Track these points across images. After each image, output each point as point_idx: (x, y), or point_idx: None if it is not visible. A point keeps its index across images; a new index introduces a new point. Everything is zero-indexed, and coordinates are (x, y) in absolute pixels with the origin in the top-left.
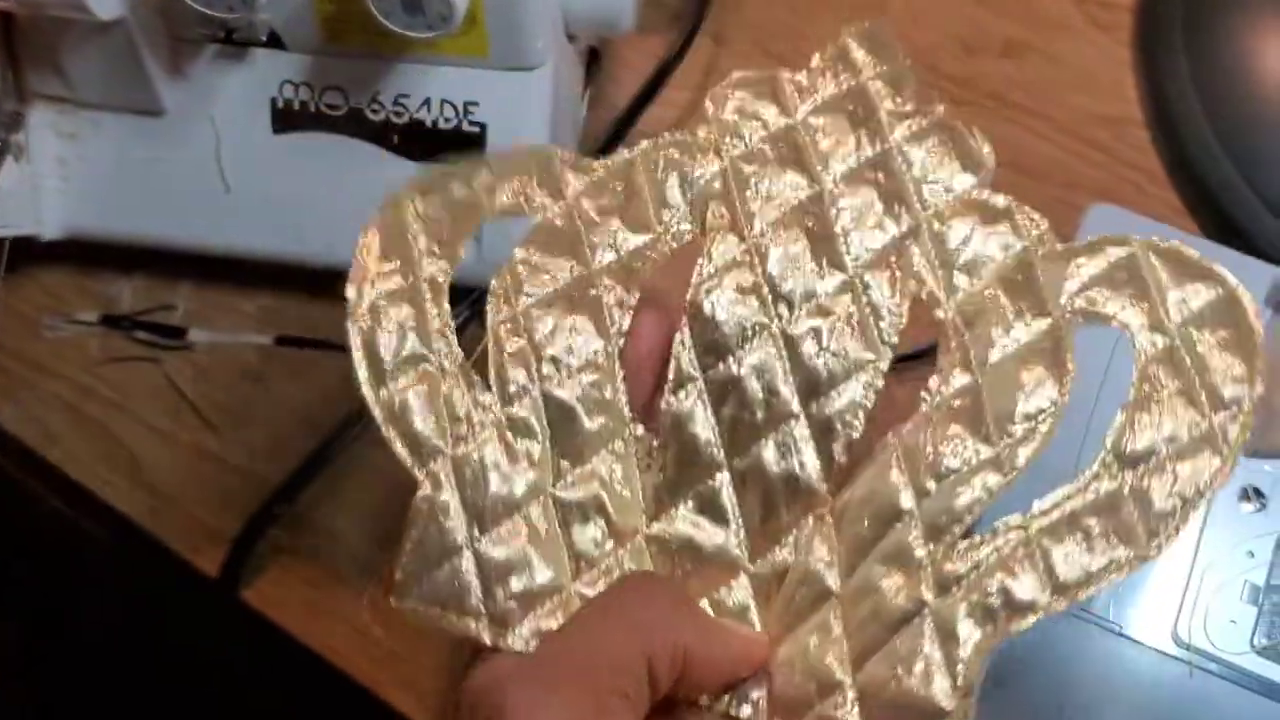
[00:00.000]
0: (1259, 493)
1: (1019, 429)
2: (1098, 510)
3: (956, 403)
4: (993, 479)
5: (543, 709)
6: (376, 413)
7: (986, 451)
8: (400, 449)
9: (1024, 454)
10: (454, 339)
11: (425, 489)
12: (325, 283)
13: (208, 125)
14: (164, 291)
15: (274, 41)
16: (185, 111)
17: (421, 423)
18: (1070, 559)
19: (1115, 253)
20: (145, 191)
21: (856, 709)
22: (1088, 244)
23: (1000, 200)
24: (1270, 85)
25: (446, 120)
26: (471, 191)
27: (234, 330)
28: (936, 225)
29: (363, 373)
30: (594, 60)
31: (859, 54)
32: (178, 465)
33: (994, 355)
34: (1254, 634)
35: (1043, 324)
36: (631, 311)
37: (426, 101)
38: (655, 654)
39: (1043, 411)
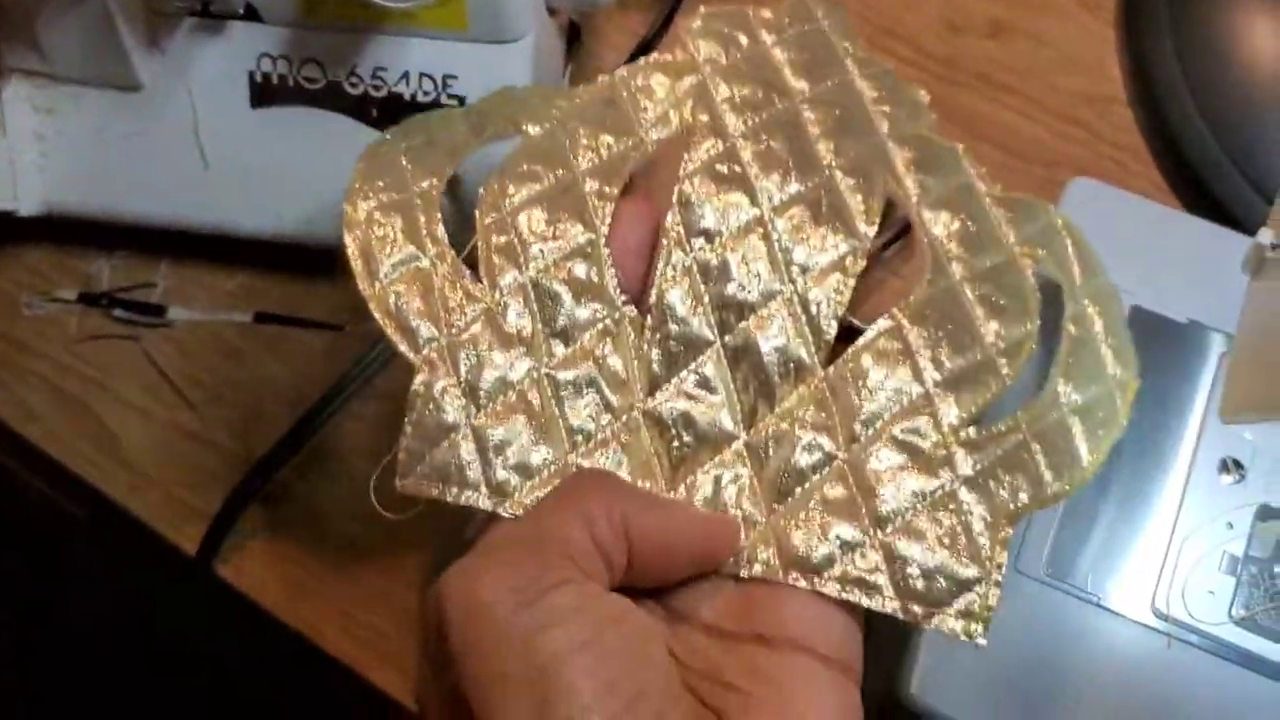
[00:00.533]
0: (1238, 464)
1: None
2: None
3: (943, 299)
4: (992, 380)
5: (478, 575)
6: (373, 308)
7: (980, 353)
8: (397, 339)
9: (1011, 365)
10: (445, 240)
11: (422, 374)
12: (305, 259)
13: (185, 99)
14: (143, 269)
15: (251, 14)
16: (163, 86)
17: (416, 314)
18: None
19: (1044, 218)
20: (124, 167)
21: (885, 570)
22: (1028, 201)
23: (945, 141)
24: (1253, 63)
25: (425, 94)
26: (460, 129)
27: (213, 308)
28: (892, 145)
29: (359, 272)
30: (575, 37)
31: (814, 8)
32: (158, 443)
33: (958, 269)
34: (1232, 605)
35: (1000, 256)
36: (613, 204)
37: (405, 75)
38: (595, 526)
39: (1021, 332)
